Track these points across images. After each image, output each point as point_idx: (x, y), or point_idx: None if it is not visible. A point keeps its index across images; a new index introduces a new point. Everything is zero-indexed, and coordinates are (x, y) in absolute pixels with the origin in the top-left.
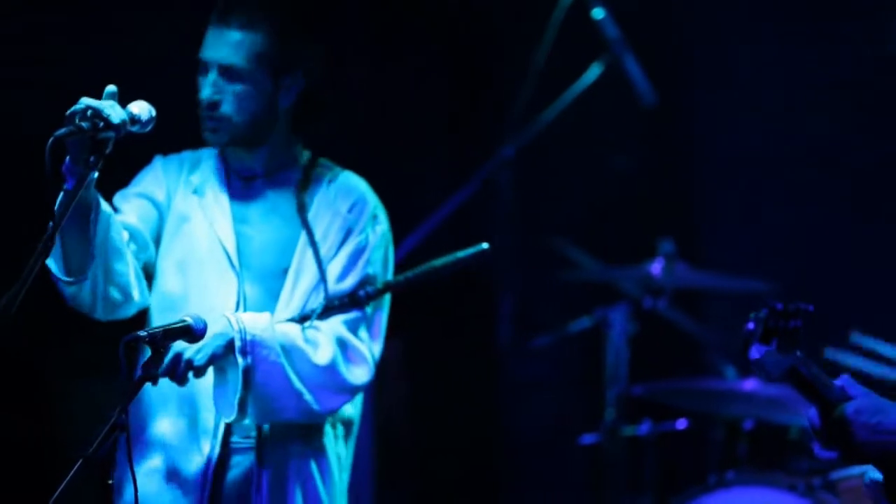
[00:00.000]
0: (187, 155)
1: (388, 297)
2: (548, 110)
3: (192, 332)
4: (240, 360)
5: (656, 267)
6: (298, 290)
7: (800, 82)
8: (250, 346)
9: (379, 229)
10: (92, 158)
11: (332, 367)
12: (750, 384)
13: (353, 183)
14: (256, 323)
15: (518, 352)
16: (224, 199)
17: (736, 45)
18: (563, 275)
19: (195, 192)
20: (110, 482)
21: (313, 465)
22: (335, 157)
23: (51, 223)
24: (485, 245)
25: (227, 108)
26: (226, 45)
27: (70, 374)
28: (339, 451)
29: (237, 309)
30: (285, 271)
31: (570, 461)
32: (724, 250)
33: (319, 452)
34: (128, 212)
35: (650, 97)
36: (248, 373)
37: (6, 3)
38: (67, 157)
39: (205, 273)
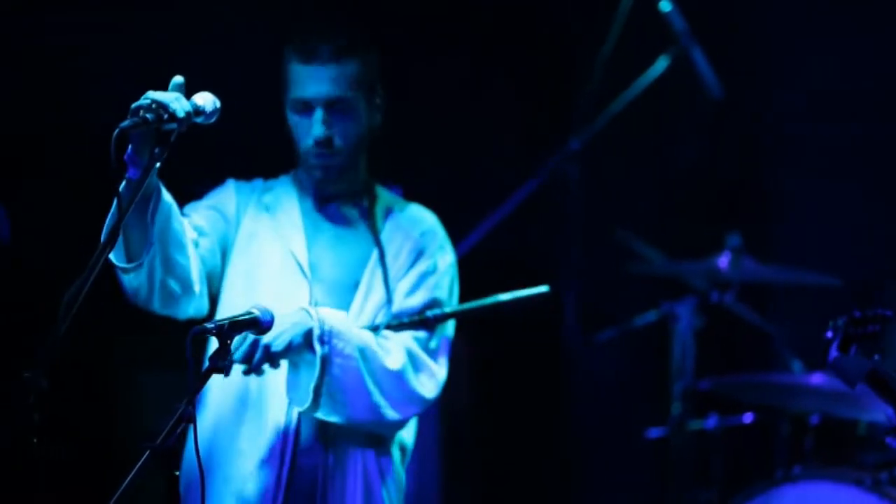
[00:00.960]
0: (259, 181)
1: (452, 325)
2: (615, 103)
3: (259, 324)
4: (318, 348)
5: (723, 261)
6: (369, 303)
7: (871, 72)
8: (328, 336)
9: (447, 258)
10: (157, 150)
11: (402, 375)
12: (817, 378)
13: (423, 213)
14: (334, 317)
15: (584, 346)
16: (297, 216)
17: (805, 36)
18: (630, 268)
19: (267, 209)
20: (177, 473)
21: (376, 459)
22: (404, 148)
23: (112, 213)
24: (545, 287)
25: (339, 141)
26: (326, 81)
27: (137, 367)
28: (400, 472)
29: None
30: (356, 285)
31: (637, 455)
32: (791, 244)
33: (385, 467)
34: (197, 219)
35: (717, 89)
36: (325, 361)
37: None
38: (130, 147)
39: (276, 283)
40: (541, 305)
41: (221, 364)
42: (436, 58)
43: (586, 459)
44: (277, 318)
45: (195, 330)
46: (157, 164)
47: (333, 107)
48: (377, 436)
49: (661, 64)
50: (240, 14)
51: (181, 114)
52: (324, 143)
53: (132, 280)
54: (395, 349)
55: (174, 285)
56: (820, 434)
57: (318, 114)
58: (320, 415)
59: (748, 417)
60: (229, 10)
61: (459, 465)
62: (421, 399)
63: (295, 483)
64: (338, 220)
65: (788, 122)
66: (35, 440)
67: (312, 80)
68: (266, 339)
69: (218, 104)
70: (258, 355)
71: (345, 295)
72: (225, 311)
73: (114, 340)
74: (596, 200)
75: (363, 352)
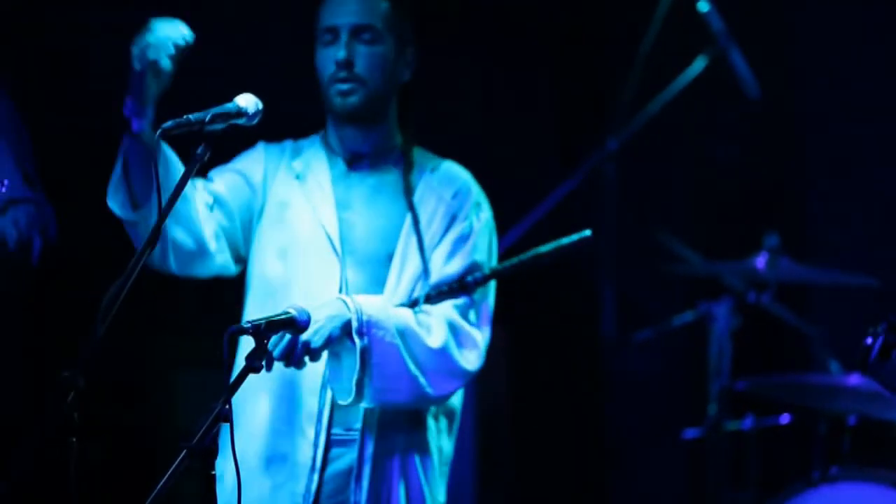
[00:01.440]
0: (289, 143)
1: (493, 286)
2: (652, 103)
3: (296, 324)
4: (357, 340)
5: (761, 261)
6: (405, 276)
7: None
8: (366, 327)
9: (483, 216)
10: (199, 150)
11: (444, 351)
12: (854, 379)
13: (455, 171)
14: (372, 304)
15: (621, 345)
16: (327, 184)
17: (843, 37)
18: (667, 268)
19: (297, 177)
20: (213, 472)
21: (416, 459)
22: (441, 147)
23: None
24: (588, 232)
25: (360, 67)
26: (354, 8)
27: (174, 366)
28: (441, 443)
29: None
30: (389, 257)
31: (673, 455)
32: (828, 244)
33: (422, 445)
34: (218, 182)
35: (755, 90)
36: (365, 353)
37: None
38: (128, 99)
39: (307, 258)
40: (581, 253)
41: (258, 364)
42: (474, 56)
43: (622, 459)
44: (314, 311)
45: (231, 329)
46: (198, 165)
47: (359, 35)
48: (413, 411)
49: (698, 64)
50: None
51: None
52: (344, 65)
53: (138, 231)
54: (436, 325)
55: (185, 241)
56: (857, 435)
57: (343, 38)
58: (364, 404)
59: (785, 418)
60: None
61: (495, 462)
62: (465, 373)
63: (326, 471)
64: (369, 184)
65: (826, 122)
66: (73, 439)
67: (341, 8)
68: (305, 335)
69: (260, 106)
70: (298, 352)
71: (378, 268)
72: (257, 287)
73: (151, 340)
74: (633, 200)
75: (403, 334)
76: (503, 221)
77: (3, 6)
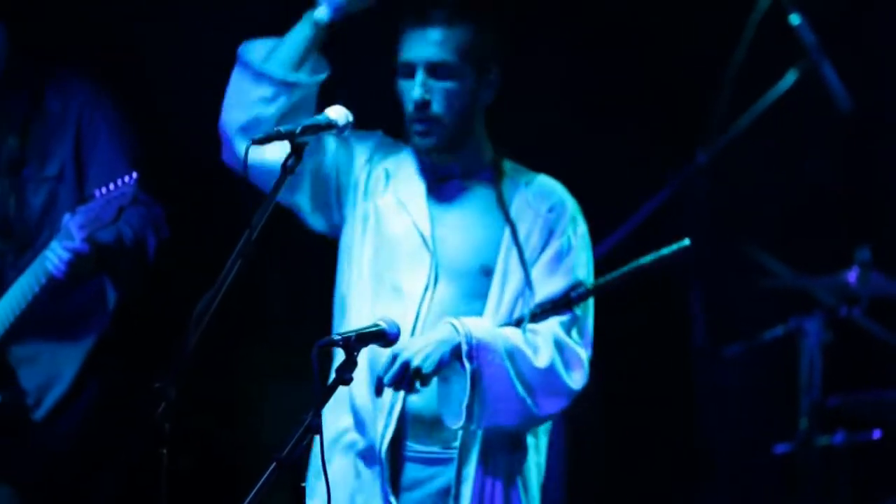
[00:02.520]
0: (387, 141)
1: (592, 301)
2: (743, 116)
3: (386, 337)
4: (467, 364)
5: (852, 275)
6: (507, 291)
7: None
8: (476, 351)
9: (580, 231)
10: (290, 161)
11: (552, 370)
12: None
13: (550, 185)
14: (480, 327)
15: (711, 359)
16: (421, 198)
17: None
18: (758, 282)
19: (392, 188)
20: (303, 485)
21: (517, 478)
22: (533, 159)
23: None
24: (686, 241)
25: (437, 107)
26: (431, 44)
27: (264, 378)
28: (539, 460)
29: (420, 305)
30: (482, 270)
31: (763, 470)
32: None
33: (522, 464)
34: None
35: (846, 103)
36: (475, 377)
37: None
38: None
39: (399, 265)
40: (681, 261)
41: (348, 376)
42: (569, 70)
43: (712, 473)
44: (424, 335)
45: (321, 342)
46: (288, 176)
47: (435, 71)
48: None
49: (790, 77)
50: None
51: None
52: (421, 107)
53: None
54: (543, 344)
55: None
56: None
57: (419, 76)
58: (472, 427)
59: (876, 434)
60: None
61: (584, 475)
62: (571, 392)
63: (424, 489)
64: (461, 198)
65: None
66: (164, 450)
67: (418, 42)
68: (416, 360)
69: (350, 118)
70: (409, 377)
71: (470, 281)
72: (345, 293)
73: (241, 352)
74: (724, 214)
75: (512, 356)
76: (594, 235)
77: (103, 18)
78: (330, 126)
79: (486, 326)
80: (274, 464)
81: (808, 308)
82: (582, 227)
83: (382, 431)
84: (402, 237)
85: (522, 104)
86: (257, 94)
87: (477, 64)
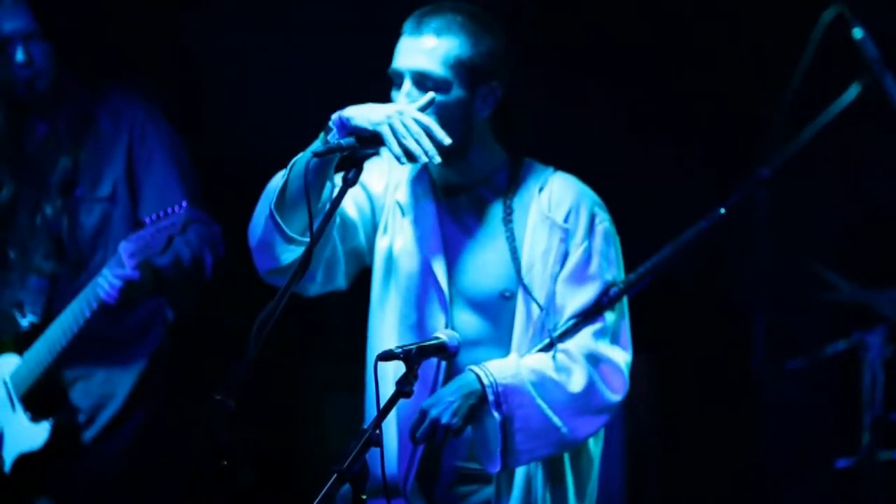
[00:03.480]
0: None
1: (626, 303)
2: (805, 131)
3: (447, 350)
4: (496, 414)
5: None
6: (533, 313)
7: None
8: (503, 397)
9: (600, 229)
10: (351, 174)
11: (588, 391)
12: None
13: (563, 187)
14: (505, 370)
15: (773, 374)
16: (431, 219)
17: None
18: (820, 296)
19: (401, 210)
20: (364, 497)
21: (566, 483)
22: (593, 172)
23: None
24: (721, 210)
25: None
26: (420, 53)
27: (323, 390)
28: (590, 458)
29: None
30: (502, 295)
31: (825, 485)
32: None
33: (558, 476)
34: (347, 198)
35: None
36: (505, 425)
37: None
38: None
39: (416, 298)
40: (721, 231)
41: (408, 389)
42: (625, 84)
43: (773, 487)
44: (446, 387)
45: (382, 355)
46: (349, 189)
47: (423, 83)
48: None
49: (852, 91)
50: None
51: (447, 142)
52: None
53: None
54: (576, 366)
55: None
56: None
57: (406, 85)
58: (511, 468)
59: None
60: None
61: (644, 491)
62: (611, 406)
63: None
64: (473, 217)
65: None
66: (224, 462)
67: (406, 51)
68: (445, 418)
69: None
70: (440, 435)
71: (492, 307)
72: (372, 321)
73: (300, 365)
74: (785, 228)
75: (543, 388)
76: (656, 248)
77: (156, 35)
78: (378, 139)
79: (511, 367)
80: (334, 476)
81: (870, 322)
82: (603, 224)
83: (406, 472)
84: (418, 275)
85: (581, 119)
86: (287, 252)
87: (469, 76)
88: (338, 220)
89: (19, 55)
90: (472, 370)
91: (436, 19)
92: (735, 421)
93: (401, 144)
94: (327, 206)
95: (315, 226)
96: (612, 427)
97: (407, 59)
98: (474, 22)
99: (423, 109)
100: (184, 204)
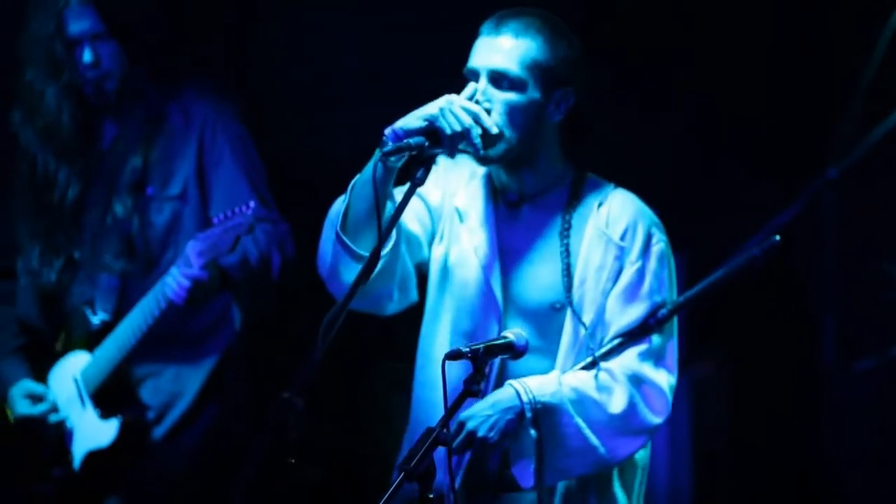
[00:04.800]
0: (467, 162)
1: (675, 324)
2: (874, 130)
3: (514, 349)
4: (532, 432)
5: None
6: (581, 329)
7: None
8: (541, 415)
9: (656, 250)
10: (419, 174)
11: (628, 412)
12: None
13: (622, 204)
14: (545, 387)
15: (841, 375)
16: (490, 226)
17: None
18: (889, 297)
19: (459, 216)
20: (431, 496)
21: (613, 488)
22: (657, 178)
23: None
24: (776, 238)
25: (496, 118)
26: (497, 52)
27: (390, 389)
28: (628, 489)
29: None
30: (553, 307)
31: (894, 486)
32: None
33: (603, 484)
34: (406, 212)
35: None
36: (541, 443)
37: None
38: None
39: (469, 306)
40: (774, 260)
41: (476, 388)
42: (695, 81)
43: (842, 490)
44: (485, 400)
45: (449, 354)
46: (417, 188)
47: (498, 82)
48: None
49: None
50: None
51: (495, 130)
52: None
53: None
54: (617, 386)
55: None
56: None
57: (482, 83)
58: (545, 483)
59: None
60: None
61: (712, 492)
62: (651, 428)
63: None
64: (531, 228)
65: None
66: (292, 460)
67: (484, 50)
68: (481, 431)
69: (496, 131)
70: (476, 447)
71: (541, 318)
72: (427, 334)
73: (367, 364)
74: (853, 229)
75: (583, 407)
76: (722, 250)
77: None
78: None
79: (551, 385)
80: (402, 475)
81: None
82: (659, 245)
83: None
84: (473, 282)
85: (647, 118)
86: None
87: (544, 79)
88: (403, 236)
89: (87, 56)
90: (512, 385)
91: (515, 21)
92: (804, 423)
93: (452, 130)
94: (390, 210)
95: (383, 228)
96: (680, 432)
97: (484, 58)
98: (552, 27)
99: (470, 100)
100: (251, 204)
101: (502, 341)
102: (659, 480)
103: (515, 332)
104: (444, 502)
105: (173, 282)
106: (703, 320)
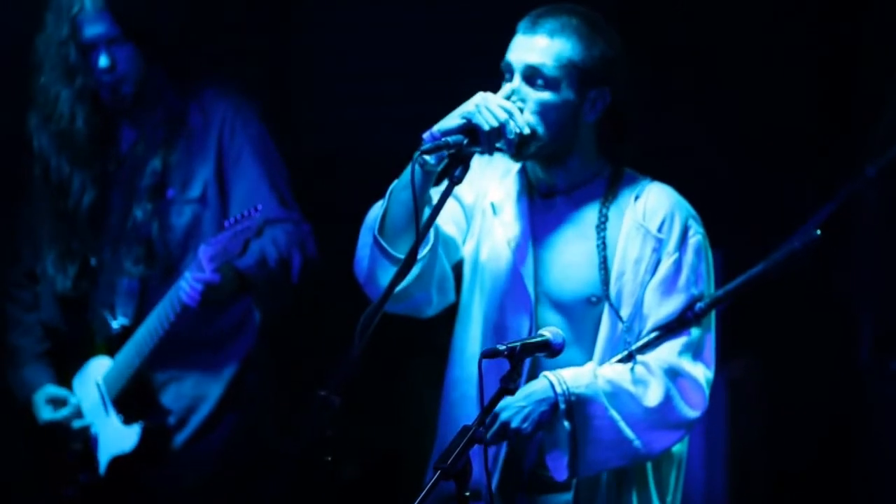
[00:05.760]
0: (500, 159)
1: (713, 318)
2: None
3: (551, 347)
4: (566, 424)
5: None
6: (618, 322)
7: None
8: (576, 407)
9: (693, 242)
10: (457, 172)
11: (664, 406)
12: None
13: (659, 197)
14: (579, 379)
15: (877, 373)
16: (523, 218)
17: None
18: None
19: (493, 209)
20: (467, 494)
21: (649, 485)
22: (697, 177)
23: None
24: (817, 232)
25: (528, 116)
26: (533, 50)
27: (427, 387)
28: (661, 478)
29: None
30: (589, 300)
31: None
32: None
33: (641, 480)
34: (442, 214)
35: None
36: (574, 435)
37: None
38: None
39: (502, 299)
40: (812, 256)
41: (513, 386)
42: (733, 81)
43: (879, 490)
44: (520, 392)
45: (485, 352)
46: (454, 187)
47: (532, 79)
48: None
49: None
50: None
51: (523, 129)
52: None
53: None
54: (653, 379)
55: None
56: None
57: (515, 79)
58: (578, 475)
59: None
60: None
61: (748, 490)
62: (687, 422)
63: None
64: (566, 220)
65: None
66: (328, 457)
67: (520, 47)
68: (515, 422)
69: (527, 131)
70: (510, 439)
71: (577, 311)
72: (458, 321)
73: (404, 361)
74: (891, 227)
75: (618, 400)
76: (757, 250)
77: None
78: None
79: (586, 377)
80: (438, 473)
81: None
82: (696, 237)
83: (489, 477)
84: (505, 275)
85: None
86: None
87: (579, 79)
88: (440, 238)
89: (102, 61)
90: (546, 376)
91: (551, 20)
92: (839, 421)
93: (489, 126)
94: (427, 213)
95: (421, 228)
96: (716, 430)
97: (520, 55)
98: (589, 26)
99: (507, 98)
100: (259, 207)
101: (539, 339)
102: (695, 479)
103: (552, 330)
104: (480, 501)
105: (186, 285)
106: (739, 318)
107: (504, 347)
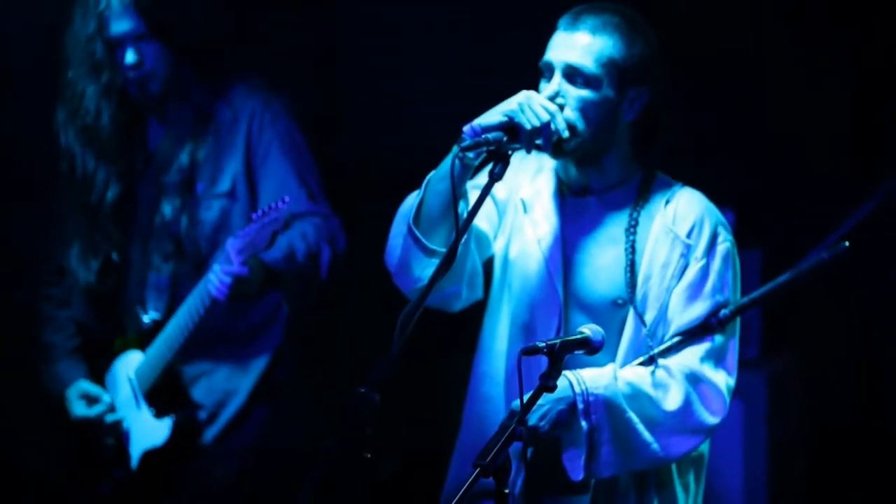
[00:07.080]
0: (534, 158)
1: (738, 326)
2: None
3: (591, 345)
4: (583, 423)
5: None
6: (643, 326)
7: None
8: (594, 407)
9: (721, 249)
10: (497, 169)
11: (684, 410)
12: None
13: (689, 203)
14: (599, 379)
15: None
16: (554, 219)
17: None
18: None
19: (528, 222)
20: (506, 491)
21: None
22: (737, 174)
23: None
24: (845, 244)
25: (569, 114)
26: (573, 48)
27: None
28: (687, 480)
29: (557, 335)
30: (615, 302)
31: None
32: None
33: (664, 481)
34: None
35: None
36: (591, 435)
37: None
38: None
39: (530, 298)
40: (840, 267)
41: (552, 383)
42: (770, 83)
43: None
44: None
45: (525, 349)
46: (495, 183)
47: (572, 78)
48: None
49: None
50: None
51: (552, 136)
52: None
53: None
54: (674, 384)
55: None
56: None
57: (555, 77)
58: (594, 476)
59: None
60: None
61: (790, 488)
62: (707, 428)
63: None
64: (597, 221)
65: None
66: (367, 455)
67: (560, 45)
68: (532, 420)
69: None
70: (527, 437)
71: (605, 313)
72: (486, 317)
73: (443, 359)
74: None
75: (637, 402)
76: (798, 248)
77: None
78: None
79: (605, 378)
80: (477, 470)
81: None
82: (725, 244)
83: (514, 478)
84: (534, 274)
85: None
86: (428, 267)
87: (619, 77)
88: (473, 234)
89: (130, 57)
90: (566, 376)
91: (592, 18)
92: (880, 416)
93: (531, 126)
94: (462, 207)
95: (460, 223)
96: (756, 427)
97: (560, 53)
98: (629, 24)
99: (551, 99)
100: (286, 199)
101: (579, 336)
102: (734, 475)
103: (592, 327)
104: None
105: (215, 279)
106: (778, 316)
107: (544, 345)
